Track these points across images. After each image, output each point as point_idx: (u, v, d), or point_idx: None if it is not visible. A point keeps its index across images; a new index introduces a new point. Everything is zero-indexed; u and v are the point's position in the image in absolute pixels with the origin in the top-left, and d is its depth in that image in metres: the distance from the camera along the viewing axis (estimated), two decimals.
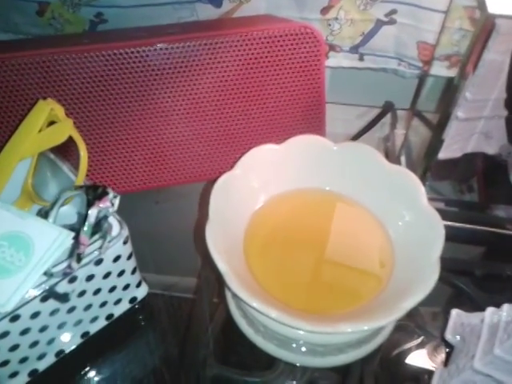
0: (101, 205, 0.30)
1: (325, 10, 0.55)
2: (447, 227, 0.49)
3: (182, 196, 0.51)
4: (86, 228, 0.29)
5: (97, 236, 0.32)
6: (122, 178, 0.47)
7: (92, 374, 0.38)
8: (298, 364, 0.37)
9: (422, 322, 0.42)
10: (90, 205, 0.30)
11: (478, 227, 0.49)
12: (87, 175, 0.47)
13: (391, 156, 0.52)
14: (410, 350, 0.41)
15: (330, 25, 0.57)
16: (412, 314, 0.42)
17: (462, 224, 0.49)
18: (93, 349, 0.39)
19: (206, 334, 0.41)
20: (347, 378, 0.38)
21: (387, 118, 0.59)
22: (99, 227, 0.32)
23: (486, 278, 0.47)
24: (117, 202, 0.31)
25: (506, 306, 0.34)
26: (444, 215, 0.48)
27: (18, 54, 0.41)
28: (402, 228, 0.36)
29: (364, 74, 0.61)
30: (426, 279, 0.32)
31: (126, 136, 0.46)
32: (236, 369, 0.39)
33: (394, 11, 0.55)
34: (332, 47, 0.59)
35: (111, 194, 0.30)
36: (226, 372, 0.39)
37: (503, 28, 0.40)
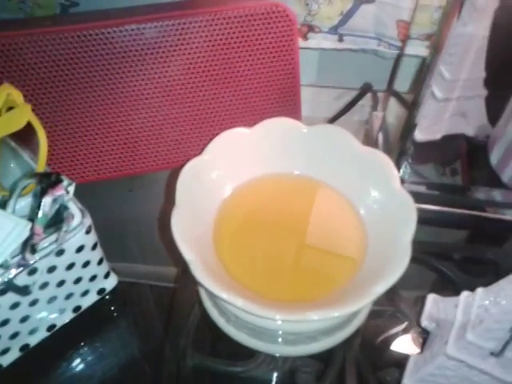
0: (55, 192, 0.28)
1: None
2: (429, 210, 0.48)
3: (156, 183, 0.50)
4: (40, 216, 0.28)
5: (54, 226, 0.31)
6: (92, 166, 0.46)
7: (63, 368, 0.37)
8: (274, 354, 0.37)
9: (404, 308, 0.42)
10: (43, 193, 0.28)
11: (458, 210, 0.48)
12: (54, 164, 0.46)
13: (370, 139, 0.51)
14: (392, 337, 0.40)
15: (308, 4, 0.55)
16: (395, 300, 0.42)
17: (442, 207, 0.48)
18: (62, 342, 0.38)
19: (186, 324, 0.40)
20: (329, 366, 0.38)
21: (367, 101, 0.57)
22: (59, 217, 0.31)
23: (468, 261, 0.47)
24: (72, 189, 0.30)
25: (479, 290, 0.33)
26: (425, 199, 0.48)
27: None
28: (374, 210, 0.35)
29: (343, 56, 0.60)
30: (397, 263, 0.31)
31: (94, 122, 0.44)
32: (217, 358, 0.39)
33: None
34: (311, 28, 0.58)
35: (65, 182, 0.29)
36: (207, 362, 0.39)
37: (479, 3, 0.39)
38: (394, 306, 0.42)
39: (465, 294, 0.35)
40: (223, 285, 0.31)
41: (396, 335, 0.40)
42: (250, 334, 0.35)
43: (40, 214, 0.28)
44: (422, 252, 0.44)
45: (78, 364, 0.37)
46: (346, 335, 0.36)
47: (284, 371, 0.38)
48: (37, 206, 0.28)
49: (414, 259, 0.40)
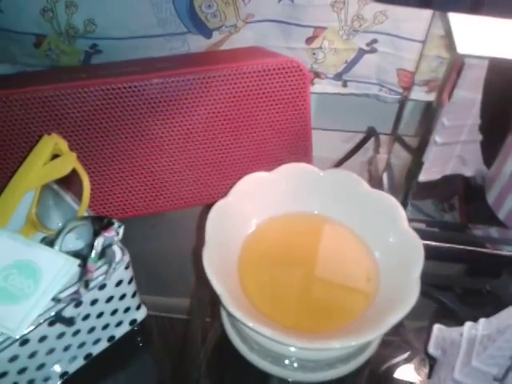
0: (106, 234, 0.32)
1: (309, 40, 0.59)
2: (430, 246, 0.52)
3: (177, 220, 0.54)
4: (93, 256, 0.32)
5: (101, 262, 0.34)
6: (120, 205, 0.50)
7: None
8: (290, 380, 0.40)
9: (408, 338, 0.45)
10: (96, 234, 0.32)
11: (457, 246, 0.52)
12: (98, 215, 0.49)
13: (374, 179, 0.55)
14: (397, 365, 0.43)
15: (314, 54, 0.60)
16: (399, 330, 0.45)
17: (442, 243, 0.52)
18: (95, 370, 0.41)
19: (199, 355, 0.43)
20: None
21: (370, 143, 0.62)
22: (103, 254, 0.35)
23: (468, 293, 0.50)
24: (121, 231, 0.33)
25: (482, 321, 0.36)
26: (426, 235, 0.51)
27: (21, 91, 0.43)
28: (385, 249, 0.39)
29: (348, 100, 0.64)
30: (408, 297, 0.34)
31: (124, 166, 0.48)
32: None
33: (374, 41, 0.58)
34: (317, 74, 0.63)
35: (116, 224, 0.32)
36: None
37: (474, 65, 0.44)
38: (400, 336, 0.45)
39: (468, 324, 0.38)
40: (250, 315, 0.34)
41: (403, 363, 0.43)
42: (273, 362, 0.38)
43: (93, 254, 0.32)
44: (425, 284, 0.47)
45: None
46: (359, 363, 0.39)
47: None
48: (90, 246, 0.32)
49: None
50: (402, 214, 0.39)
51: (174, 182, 0.50)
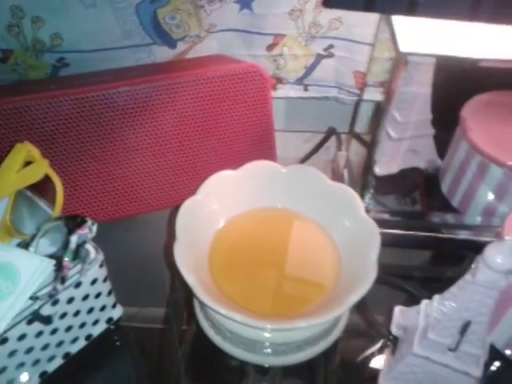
0: (80, 231, 0.34)
1: (270, 47, 0.61)
2: (391, 234, 0.55)
3: (150, 223, 0.55)
4: (68, 253, 0.33)
5: (76, 261, 0.36)
6: (93, 210, 0.51)
7: None
8: (265, 365, 0.42)
9: (374, 322, 0.48)
10: (70, 233, 0.34)
11: (418, 233, 0.55)
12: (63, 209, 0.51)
13: (336, 175, 0.58)
14: (364, 347, 0.46)
15: (275, 60, 0.63)
16: (366, 316, 0.48)
17: (404, 231, 0.55)
18: (74, 369, 0.42)
19: (177, 353, 0.45)
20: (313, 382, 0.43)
21: (333, 142, 0.65)
22: (78, 254, 0.36)
23: (431, 280, 0.53)
24: (94, 228, 0.35)
25: (436, 297, 0.39)
26: (388, 224, 0.54)
27: None
28: (345, 236, 0.42)
29: (310, 103, 0.67)
30: (366, 277, 0.37)
31: (95, 171, 0.50)
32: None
33: (331, 46, 0.61)
34: (279, 80, 0.66)
35: (89, 222, 0.34)
36: None
37: (423, 62, 0.47)
38: (367, 321, 0.48)
39: (425, 301, 0.41)
40: (221, 303, 0.36)
41: (369, 345, 0.46)
42: (246, 348, 0.41)
43: (68, 250, 0.33)
44: (389, 274, 0.50)
45: None
46: (327, 345, 0.42)
47: None
48: (65, 244, 0.33)
49: (382, 280, 0.47)
50: (359, 203, 0.42)
51: (145, 186, 0.52)
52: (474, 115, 0.52)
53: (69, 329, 0.40)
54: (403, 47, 0.40)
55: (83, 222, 0.34)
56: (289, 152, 0.64)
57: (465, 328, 0.36)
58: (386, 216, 0.56)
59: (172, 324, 0.47)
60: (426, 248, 0.56)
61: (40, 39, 0.57)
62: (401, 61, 0.40)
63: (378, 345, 0.46)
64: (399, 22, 0.42)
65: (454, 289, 0.37)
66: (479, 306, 0.34)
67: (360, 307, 0.48)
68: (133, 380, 0.44)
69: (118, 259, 0.51)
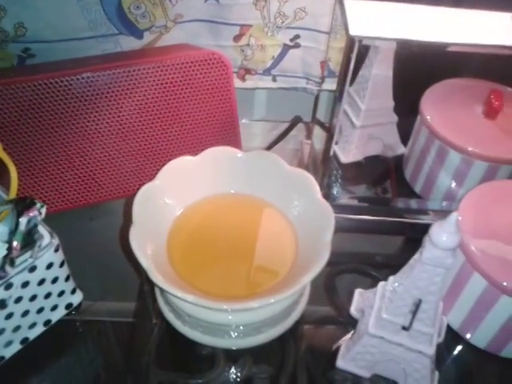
0: (30, 214, 0.34)
1: (237, 38, 0.62)
2: (357, 220, 0.55)
3: (115, 211, 0.55)
4: (17, 234, 0.33)
5: (29, 244, 0.36)
6: (55, 198, 0.51)
7: (34, 380, 0.41)
8: (225, 347, 0.42)
9: (336, 305, 0.48)
10: (19, 215, 0.33)
11: (385, 218, 0.56)
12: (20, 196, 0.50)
13: (301, 163, 0.59)
14: (325, 329, 0.47)
15: (243, 50, 0.63)
16: (329, 300, 0.48)
17: (370, 217, 0.56)
18: (34, 354, 0.42)
19: (147, 343, 0.45)
20: (282, 370, 0.43)
21: (300, 131, 0.66)
22: (31, 237, 0.36)
23: (398, 265, 0.54)
24: (44, 210, 0.35)
25: (390, 278, 0.40)
26: (356, 210, 0.55)
27: None
28: (301, 218, 0.43)
29: (278, 93, 0.68)
30: (321, 258, 0.38)
31: (56, 158, 0.50)
32: (179, 373, 0.43)
33: (297, 36, 0.62)
34: (248, 71, 0.66)
35: (38, 204, 0.34)
36: (169, 377, 0.42)
37: (382, 48, 0.48)
38: (333, 306, 0.48)
39: (381, 283, 0.42)
40: (176, 285, 0.37)
41: (331, 328, 0.47)
42: (204, 331, 0.41)
43: (17, 232, 0.33)
44: (359, 262, 0.52)
45: (49, 375, 0.42)
46: (287, 326, 0.42)
47: (241, 378, 0.42)
48: (14, 226, 0.33)
49: (351, 268, 0.49)
50: (315, 186, 0.42)
51: (106, 173, 0.52)
52: (433, 102, 0.53)
53: (25, 313, 0.39)
54: (353, 30, 0.40)
55: (32, 204, 0.34)
56: (255, 141, 0.65)
57: (416, 307, 0.37)
58: (353, 202, 0.57)
59: (141, 312, 0.47)
60: (391, 233, 0.57)
61: (3, 29, 0.57)
62: (350, 44, 0.40)
63: (338, 327, 0.46)
64: (351, 6, 0.43)
65: (405, 268, 0.38)
66: (428, 284, 0.35)
67: (328, 292, 0.49)
68: (96, 366, 0.44)
69: (82, 248, 0.52)
